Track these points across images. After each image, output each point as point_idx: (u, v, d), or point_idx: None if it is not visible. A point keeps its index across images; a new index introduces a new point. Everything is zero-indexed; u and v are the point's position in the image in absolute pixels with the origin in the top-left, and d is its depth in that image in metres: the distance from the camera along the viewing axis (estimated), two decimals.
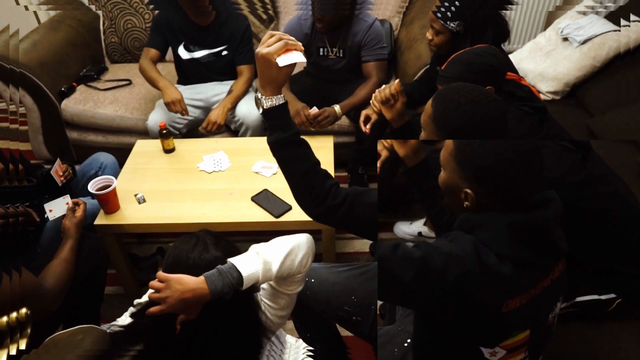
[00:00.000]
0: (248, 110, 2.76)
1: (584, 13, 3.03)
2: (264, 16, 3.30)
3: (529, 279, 1.08)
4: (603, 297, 1.65)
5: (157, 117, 2.74)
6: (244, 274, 1.21)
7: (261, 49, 1.26)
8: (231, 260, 1.23)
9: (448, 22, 2.10)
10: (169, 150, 2.54)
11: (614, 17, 2.88)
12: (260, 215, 2.14)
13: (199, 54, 2.81)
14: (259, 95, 1.30)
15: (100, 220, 2.15)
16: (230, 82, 2.88)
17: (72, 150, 3.05)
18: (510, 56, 2.30)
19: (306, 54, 2.66)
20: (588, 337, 1.58)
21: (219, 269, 1.20)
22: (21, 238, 1.91)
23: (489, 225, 1.09)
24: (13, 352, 1.18)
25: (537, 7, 3.68)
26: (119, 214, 2.18)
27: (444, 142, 1.23)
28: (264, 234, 1.81)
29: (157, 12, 2.80)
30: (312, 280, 1.70)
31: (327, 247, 2.29)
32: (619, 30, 2.73)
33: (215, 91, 2.89)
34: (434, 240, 1.18)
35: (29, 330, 1.24)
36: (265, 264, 1.25)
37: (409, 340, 1.52)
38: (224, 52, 2.81)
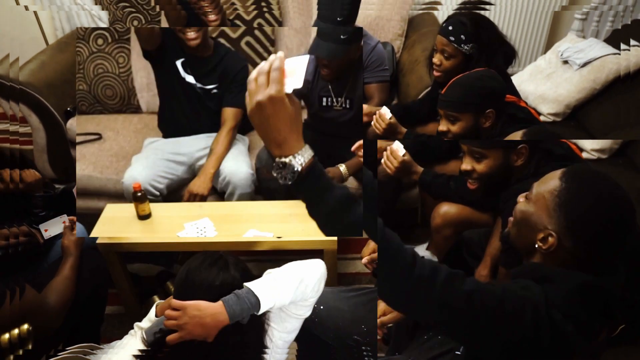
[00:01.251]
0: (235, 167, 2.50)
1: (584, 36, 3.22)
2: (258, 60, 3.13)
3: (584, 343, 1.08)
4: None
5: (134, 173, 2.46)
6: (261, 299, 1.24)
7: (259, 95, 0.95)
8: (247, 285, 1.27)
9: (462, 45, 2.12)
10: (144, 217, 2.28)
11: (614, 40, 2.98)
12: (261, 235, 2.15)
13: (193, 80, 2.61)
14: (284, 160, 0.99)
15: (103, 239, 2.17)
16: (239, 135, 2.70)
17: (76, 170, 2.84)
18: (512, 78, 2.34)
19: (307, 103, 2.59)
20: None
21: (236, 293, 1.24)
22: (26, 256, 1.97)
23: (561, 281, 1.09)
24: None
25: (537, 31, 3.76)
26: (121, 232, 2.22)
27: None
28: (266, 253, 1.97)
29: None
30: (321, 307, 1.69)
31: (328, 267, 2.26)
32: (619, 54, 2.81)
33: (199, 145, 2.67)
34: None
35: (30, 346, 1.28)
36: (281, 289, 1.29)
37: None
38: (214, 91, 2.62)
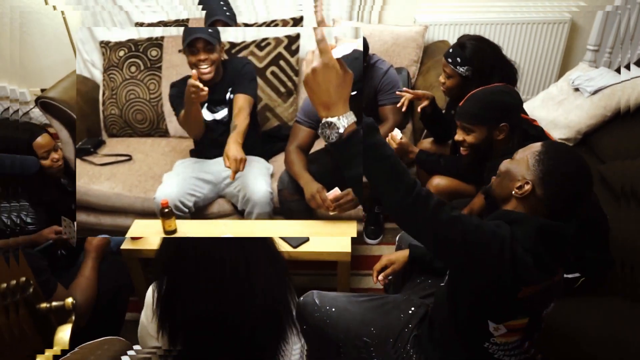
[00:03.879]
0: (256, 186, 2.50)
1: (596, 66, 3.25)
2: (282, 89, 3.15)
3: (540, 275, 1.30)
4: (570, 276, 1.90)
5: (166, 190, 2.49)
6: None
7: (315, 63, 1.06)
8: None
9: (458, 67, 2.29)
10: (169, 232, 2.28)
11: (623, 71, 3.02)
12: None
13: (221, 114, 2.64)
14: (330, 119, 1.09)
15: (126, 244, 2.20)
16: (256, 158, 2.68)
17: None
18: (523, 105, 2.42)
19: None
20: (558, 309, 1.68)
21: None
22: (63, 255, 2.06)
23: (525, 223, 1.32)
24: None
25: (549, 60, 3.75)
26: (144, 240, 2.23)
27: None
28: None
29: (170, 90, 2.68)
30: (333, 309, 1.72)
31: (341, 281, 2.31)
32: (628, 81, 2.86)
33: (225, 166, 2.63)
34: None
35: (73, 317, 1.24)
36: None
37: (413, 309, 1.70)
38: (230, 96, 2.64)
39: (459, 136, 2.02)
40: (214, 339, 1.16)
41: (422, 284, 1.86)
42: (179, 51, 2.61)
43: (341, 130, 1.08)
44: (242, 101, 2.56)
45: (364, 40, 2.60)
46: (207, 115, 2.64)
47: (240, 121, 2.49)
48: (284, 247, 2.13)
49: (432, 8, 3.46)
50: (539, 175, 1.34)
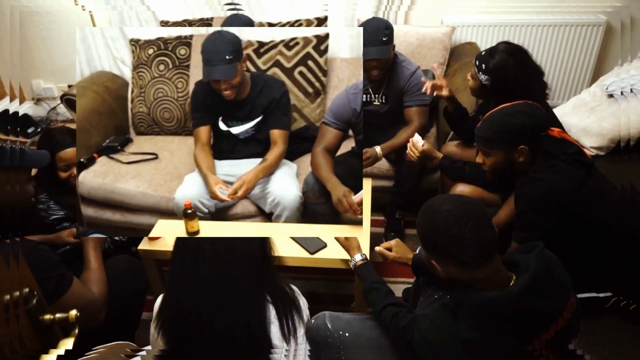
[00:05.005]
0: (285, 189, 2.46)
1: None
2: (310, 90, 3.10)
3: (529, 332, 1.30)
4: (601, 295, 1.84)
5: (185, 191, 2.47)
6: None
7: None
8: None
9: (480, 73, 2.26)
10: (192, 233, 2.24)
11: None
12: (295, 251, 2.13)
13: (238, 129, 2.59)
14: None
15: (144, 245, 2.19)
16: (285, 160, 2.65)
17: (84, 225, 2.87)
18: (554, 111, 2.38)
19: (353, 131, 2.65)
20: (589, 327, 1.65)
21: None
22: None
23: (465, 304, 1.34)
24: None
25: (582, 64, 3.58)
26: (161, 241, 2.21)
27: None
28: (297, 270, 2.04)
29: (194, 89, 2.62)
30: (347, 334, 1.67)
31: (359, 289, 2.21)
32: None
33: (249, 168, 2.58)
34: None
35: (76, 331, 1.20)
36: None
37: None
38: (261, 123, 2.59)
39: (479, 158, 1.96)
40: (194, 341, 1.25)
41: (430, 295, 1.79)
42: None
43: (357, 264, 1.79)
44: (277, 136, 2.56)
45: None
46: (222, 125, 2.61)
47: (272, 157, 2.51)
48: (301, 252, 2.09)
49: (461, 8, 3.35)
50: None
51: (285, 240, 2.15)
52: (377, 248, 1.93)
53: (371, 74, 2.65)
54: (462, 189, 2.34)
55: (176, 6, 3.40)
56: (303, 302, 1.47)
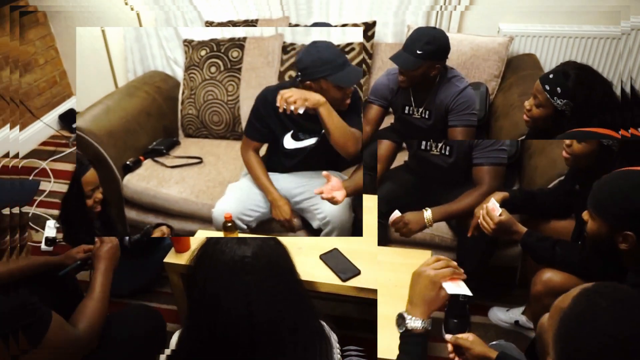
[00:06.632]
0: (338, 208, 2.30)
1: None
2: None
3: None
4: None
5: (225, 206, 2.39)
6: None
7: (427, 270, 1.29)
8: None
9: (555, 98, 1.92)
10: None
11: None
12: (325, 276, 2.01)
13: (308, 142, 2.42)
14: (405, 314, 1.29)
15: (170, 258, 2.13)
16: (333, 172, 2.43)
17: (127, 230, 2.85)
18: None
19: (392, 108, 2.67)
20: None
21: None
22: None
23: None
24: None
25: None
26: (189, 254, 2.12)
27: None
28: (327, 297, 1.87)
29: (263, 92, 2.44)
30: None
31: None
32: None
33: (298, 182, 2.50)
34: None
35: None
36: None
37: None
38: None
39: (585, 214, 1.58)
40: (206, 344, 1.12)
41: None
42: (299, 81, 2.24)
43: (408, 327, 1.26)
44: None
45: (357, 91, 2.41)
46: (289, 143, 2.41)
47: (357, 178, 2.37)
48: (333, 279, 1.98)
49: (521, 17, 3.07)
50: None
51: (317, 263, 2.05)
52: (449, 336, 1.51)
53: (399, 79, 2.42)
54: (550, 276, 1.85)
55: (224, 6, 3.34)
56: (334, 339, 1.36)
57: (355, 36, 3.10)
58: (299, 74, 2.21)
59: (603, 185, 1.50)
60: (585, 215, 1.57)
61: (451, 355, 1.50)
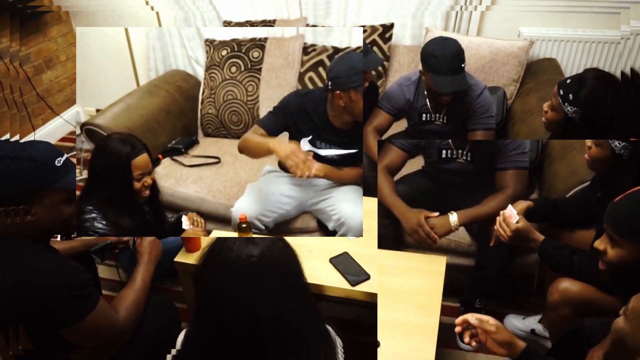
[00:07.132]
0: (353, 211, 2.29)
1: None
2: (372, 72, 3.03)
3: None
4: None
5: (245, 205, 2.36)
6: None
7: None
8: None
9: (566, 104, 1.94)
10: None
11: None
12: (334, 280, 1.97)
13: (324, 151, 2.39)
14: None
15: (181, 257, 2.11)
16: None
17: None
18: None
19: (407, 117, 2.64)
20: None
21: None
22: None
23: None
24: None
25: None
26: (199, 253, 2.12)
27: None
28: (334, 300, 1.83)
29: (291, 95, 2.43)
30: None
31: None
32: None
33: (319, 185, 2.49)
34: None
35: None
36: None
37: None
38: (354, 153, 2.43)
39: (599, 244, 1.49)
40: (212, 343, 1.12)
41: None
42: (329, 89, 2.23)
43: None
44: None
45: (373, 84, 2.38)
46: (304, 145, 2.34)
47: (350, 171, 2.41)
48: (342, 283, 1.95)
49: (542, 20, 3.01)
50: None
51: (326, 267, 2.02)
52: (470, 315, 1.46)
53: (442, 100, 2.34)
54: (567, 285, 1.79)
55: (242, 6, 3.34)
56: (339, 343, 1.33)
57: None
58: (329, 82, 2.21)
59: (629, 203, 1.42)
60: (601, 243, 1.49)
61: (458, 329, 1.47)
